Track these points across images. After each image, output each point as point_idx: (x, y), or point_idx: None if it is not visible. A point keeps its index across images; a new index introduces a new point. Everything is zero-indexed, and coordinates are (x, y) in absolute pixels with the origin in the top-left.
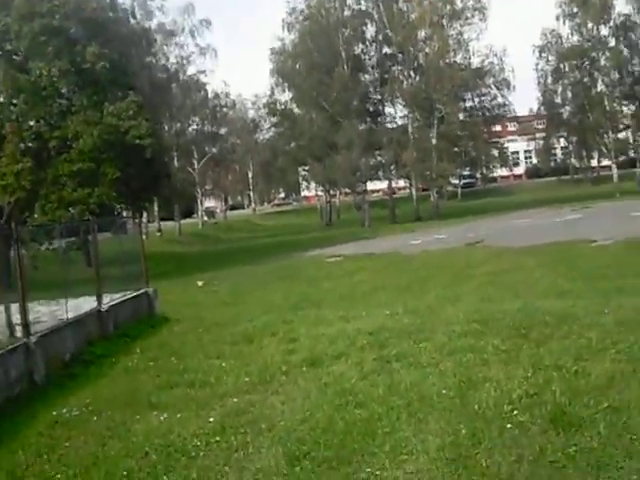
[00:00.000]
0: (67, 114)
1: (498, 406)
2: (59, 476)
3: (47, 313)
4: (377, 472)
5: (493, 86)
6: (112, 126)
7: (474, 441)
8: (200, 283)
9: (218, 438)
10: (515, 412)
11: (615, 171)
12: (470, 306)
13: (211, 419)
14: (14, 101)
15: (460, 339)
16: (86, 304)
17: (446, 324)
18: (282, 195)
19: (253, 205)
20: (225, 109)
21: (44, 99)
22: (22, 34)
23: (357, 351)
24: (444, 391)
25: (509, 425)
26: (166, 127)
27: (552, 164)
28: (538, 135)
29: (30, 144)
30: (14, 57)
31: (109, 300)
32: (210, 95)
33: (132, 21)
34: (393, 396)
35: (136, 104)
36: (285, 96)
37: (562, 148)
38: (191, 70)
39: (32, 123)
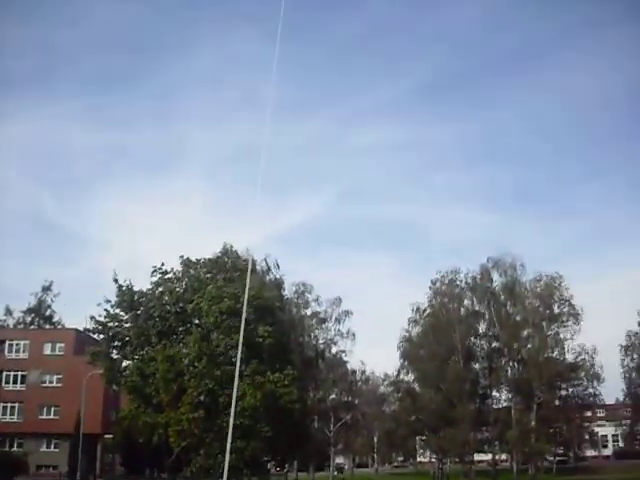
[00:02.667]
0: None
1: None
2: None
3: None
4: None
5: (585, 379)
6: (271, 391)
7: None
8: None
9: None
10: None
11: None
12: None
13: None
14: (196, 363)
15: None
16: None
17: None
18: (401, 458)
19: (376, 465)
20: (360, 383)
21: (219, 364)
22: (210, 312)
23: None
24: None
25: None
26: (311, 395)
27: (637, 447)
28: (624, 421)
29: (204, 398)
30: (201, 329)
31: None
32: (349, 371)
33: (294, 310)
34: None
35: (291, 376)
36: (409, 377)
37: None
38: (334, 349)
39: (208, 382)
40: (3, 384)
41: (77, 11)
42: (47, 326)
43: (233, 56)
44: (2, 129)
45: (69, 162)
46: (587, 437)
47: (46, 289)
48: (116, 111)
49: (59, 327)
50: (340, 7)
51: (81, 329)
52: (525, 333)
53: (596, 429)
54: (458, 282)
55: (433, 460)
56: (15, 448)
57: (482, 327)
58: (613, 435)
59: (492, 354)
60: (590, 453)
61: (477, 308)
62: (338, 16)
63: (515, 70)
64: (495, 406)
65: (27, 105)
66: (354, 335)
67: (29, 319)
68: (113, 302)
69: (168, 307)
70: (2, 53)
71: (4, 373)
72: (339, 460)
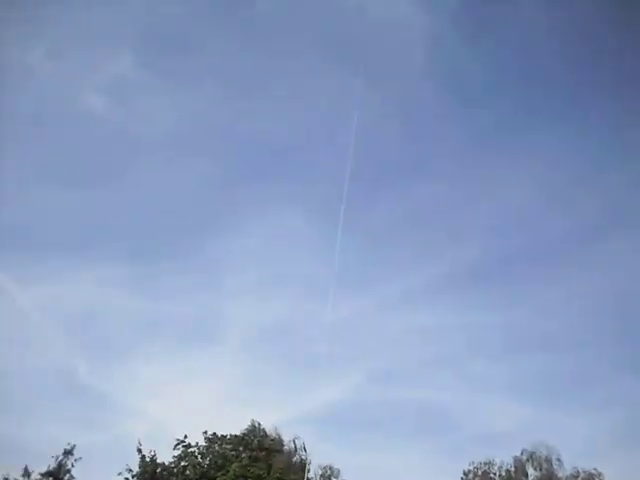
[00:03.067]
0: None
1: None
2: None
3: None
4: None
5: None
6: None
7: None
8: None
9: None
10: None
11: None
12: None
13: None
14: None
15: None
16: None
17: None
18: None
19: None
20: None
21: None
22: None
23: None
24: None
25: None
26: None
27: None
28: None
29: None
30: None
31: None
32: None
33: None
34: None
35: None
36: None
37: None
38: None
39: None
40: None
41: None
42: None
43: (280, 234)
44: (44, 288)
45: (106, 325)
46: None
47: (68, 453)
48: (160, 280)
49: None
50: (377, 198)
51: None
52: None
53: None
54: (492, 475)
55: None
56: None
57: None
58: None
59: None
60: None
61: None
62: (378, 204)
63: (564, 253)
64: None
65: (72, 265)
66: None
67: None
68: (135, 472)
69: None
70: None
71: None
72: None
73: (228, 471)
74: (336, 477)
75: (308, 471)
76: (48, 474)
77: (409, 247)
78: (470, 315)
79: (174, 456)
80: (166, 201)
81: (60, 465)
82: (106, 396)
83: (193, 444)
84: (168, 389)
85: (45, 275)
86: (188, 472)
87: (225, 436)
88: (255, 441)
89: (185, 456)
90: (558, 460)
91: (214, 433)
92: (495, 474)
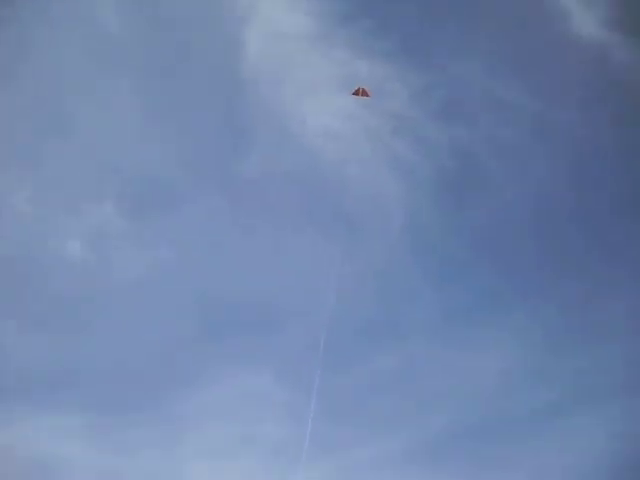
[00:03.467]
0: None
1: None
2: None
3: None
4: None
5: None
6: None
7: None
8: None
9: None
10: None
11: None
12: None
13: None
14: None
15: None
16: None
17: None
18: None
19: None
20: None
21: None
22: None
23: None
24: None
25: None
26: None
27: None
28: None
29: None
30: None
31: None
32: None
33: None
34: None
35: None
36: None
37: None
38: None
39: None
40: None
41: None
42: None
43: (251, 393)
44: None
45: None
46: None
47: None
48: (120, 433)
49: None
50: (351, 362)
51: None
52: None
53: None
54: None
55: None
56: None
57: None
58: None
59: None
60: None
61: None
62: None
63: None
64: None
65: (25, 412)
66: None
67: None
68: None
69: None
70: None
71: None
72: None
73: None
74: None
75: None
76: None
77: (381, 413)
78: None
79: None
80: (133, 350)
81: None
82: None
83: None
84: None
85: None
86: None
87: None
88: None
89: None
90: None
91: None
92: None
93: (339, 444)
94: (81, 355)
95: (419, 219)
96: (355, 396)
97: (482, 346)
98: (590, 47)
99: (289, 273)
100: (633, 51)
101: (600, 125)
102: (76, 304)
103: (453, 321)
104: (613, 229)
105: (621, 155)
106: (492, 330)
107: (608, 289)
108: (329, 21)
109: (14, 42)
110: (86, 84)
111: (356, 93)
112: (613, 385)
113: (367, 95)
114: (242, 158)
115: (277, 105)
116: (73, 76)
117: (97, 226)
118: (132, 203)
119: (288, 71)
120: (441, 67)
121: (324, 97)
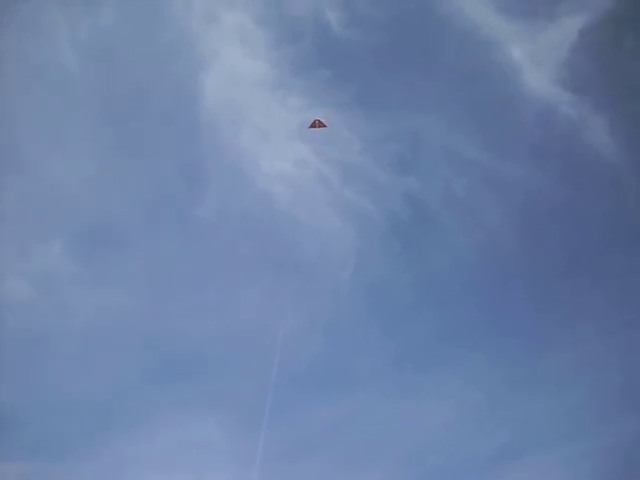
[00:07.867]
0: None
1: None
2: None
3: None
4: None
5: None
6: None
7: None
8: None
9: None
10: None
11: None
12: None
13: None
14: None
15: None
16: None
17: None
18: None
19: None
20: None
21: None
22: None
23: None
24: None
25: None
26: None
27: None
28: None
29: None
30: None
31: None
32: None
33: None
34: None
35: None
36: None
37: None
38: None
39: None
40: None
41: None
42: None
43: (189, 439)
44: None
45: None
46: None
47: None
48: None
49: None
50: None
51: None
52: None
53: None
54: None
55: None
56: None
57: None
58: None
59: None
60: None
61: None
62: (301, 411)
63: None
64: None
65: None
66: None
67: None
68: None
69: None
70: None
71: None
72: None
73: None
74: None
75: None
76: None
77: (331, 458)
78: None
79: None
80: (76, 395)
81: None
82: None
83: None
84: None
85: None
86: None
87: None
88: None
89: None
90: None
91: None
92: None
93: None
94: (21, 398)
95: (369, 265)
96: (300, 446)
97: (429, 394)
98: (540, 104)
99: (238, 320)
100: (580, 109)
101: (549, 178)
102: (21, 346)
103: (401, 367)
104: (554, 285)
105: (568, 208)
106: (440, 376)
107: (541, 344)
108: (287, 69)
109: None
110: (39, 122)
111: (313, 125)
112: (546, 433)
113: (324, 126)
114: (196, 201)
115: (233, 149)
116: (25, 113)
117: (45, 267)
118: (82, 244)
119: (245, 116)
120: (395, 119)
121: (279, 143)
